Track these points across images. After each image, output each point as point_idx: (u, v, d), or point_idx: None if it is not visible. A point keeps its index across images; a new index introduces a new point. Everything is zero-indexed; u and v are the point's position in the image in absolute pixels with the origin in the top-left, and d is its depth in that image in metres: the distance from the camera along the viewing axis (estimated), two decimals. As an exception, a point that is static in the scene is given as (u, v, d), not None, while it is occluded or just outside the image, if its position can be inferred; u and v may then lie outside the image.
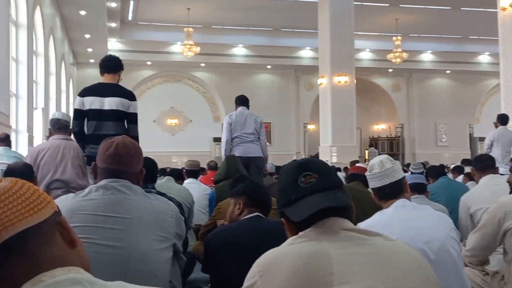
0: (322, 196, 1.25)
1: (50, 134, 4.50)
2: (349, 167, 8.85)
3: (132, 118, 4.40)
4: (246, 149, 6.12)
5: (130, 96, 4.46)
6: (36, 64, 11.55)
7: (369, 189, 2.56)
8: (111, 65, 4.50)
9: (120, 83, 4.53)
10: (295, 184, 1.28)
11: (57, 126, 4.42)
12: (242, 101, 6.46)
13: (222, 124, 6.54)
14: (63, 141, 4.35)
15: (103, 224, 1.82)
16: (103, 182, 1.93)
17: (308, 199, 1.25)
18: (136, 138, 4.21)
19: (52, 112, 5.07)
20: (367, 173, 2.29)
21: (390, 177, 2.20)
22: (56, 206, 0.96)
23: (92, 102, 4.32)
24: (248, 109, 6.42)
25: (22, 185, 0.92)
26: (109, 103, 4.33)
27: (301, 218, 1.23)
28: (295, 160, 1.39)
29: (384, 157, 2.29)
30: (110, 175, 1.94)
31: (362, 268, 1.15)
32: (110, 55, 4.63)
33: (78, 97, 4.38)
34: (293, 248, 1.21)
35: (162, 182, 4.43)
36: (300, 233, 1.24)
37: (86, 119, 4.35)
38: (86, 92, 4.39)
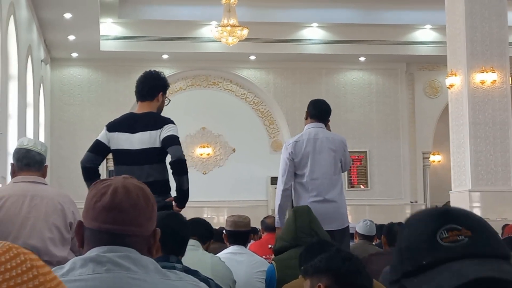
0: (478, 262, 1.23)
1: (14, 174, 4.59)
2: (504, 226, 8.74)
3: (168, 139, 4.90)
4: (321, 216, 5.32)
5: (160, 123, 5.00)
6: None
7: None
8: (143, 90, 5.11)
9: (155, 106, 5.14)
10: (432, 241, 1.26)
11: (25, 161, 4.49)
12: (319, 111, 6.23)
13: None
14: (32, 186, 4.42)
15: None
16: (93, 252, 1.96)
17: (454, 265, 1.23)
18: (182, 162, 4.95)
19: (19, 139, 5.29)
20: None
21: None
22: None
23: (119, 140, 4.99)
24: (326, 126, 6.14)
25: (15, 255, 0.98)
26: (139, 140, 4.95)
27: None
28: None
29: None
30: (105, 241, 1.97)
31: None
32: (146, 73, 5.20)
33: (104, 130, 5.13)
34: None
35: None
36: None
37: (105, 159, 5.26)
38: (113, 126, 5.11)
